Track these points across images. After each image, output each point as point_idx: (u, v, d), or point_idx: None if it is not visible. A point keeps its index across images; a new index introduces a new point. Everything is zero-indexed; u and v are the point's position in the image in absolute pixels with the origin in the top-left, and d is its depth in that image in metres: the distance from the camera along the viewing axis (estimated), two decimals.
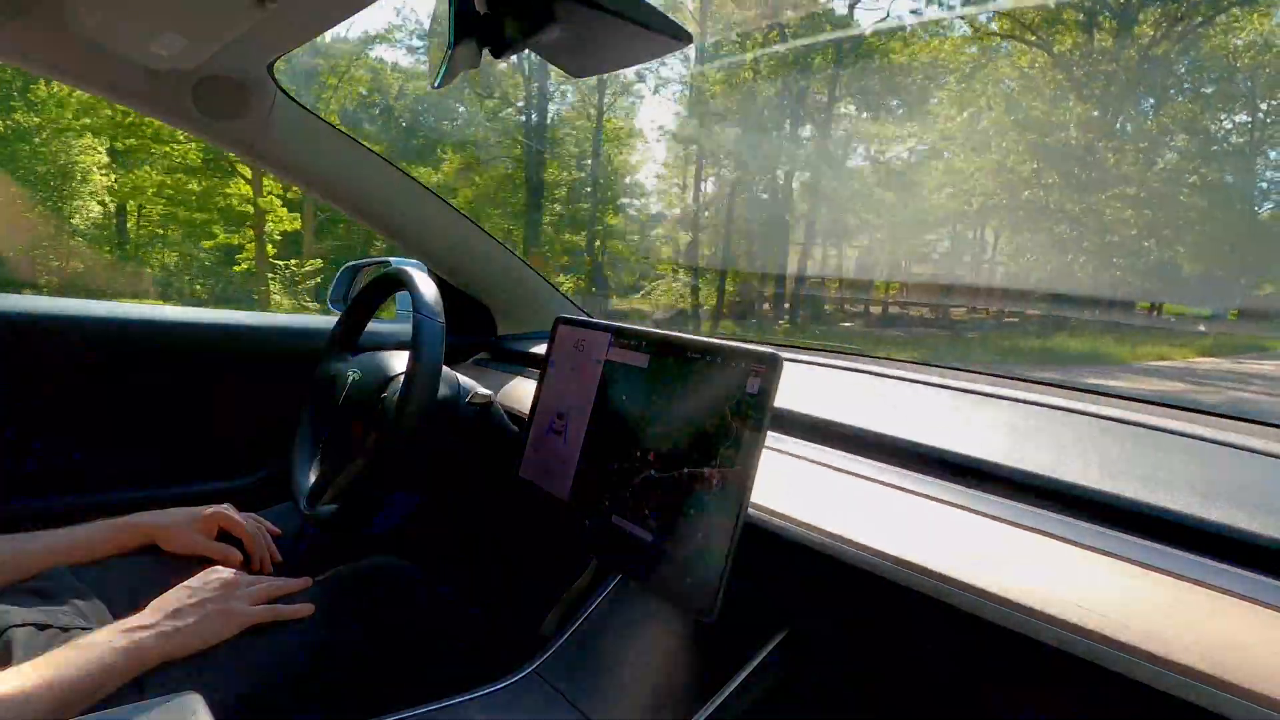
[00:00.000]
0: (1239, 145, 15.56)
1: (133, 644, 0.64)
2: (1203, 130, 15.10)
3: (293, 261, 13.56)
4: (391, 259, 1.43)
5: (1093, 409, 0.73)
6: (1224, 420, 0.70)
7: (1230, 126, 15.57)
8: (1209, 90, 15.20)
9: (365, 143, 1.17)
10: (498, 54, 0.64)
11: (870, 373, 0.97)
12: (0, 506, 1.04)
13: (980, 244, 17.41)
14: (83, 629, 0.69)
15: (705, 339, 0.71)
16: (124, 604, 0.73)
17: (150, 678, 0.64)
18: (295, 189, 13.00)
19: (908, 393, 0.88)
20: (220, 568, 0.79)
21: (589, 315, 1.42)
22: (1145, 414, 0.70)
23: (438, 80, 0.64)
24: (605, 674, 0.74)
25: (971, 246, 17.55)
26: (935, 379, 0.89)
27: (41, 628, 0.67)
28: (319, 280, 13.46)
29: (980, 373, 0.95)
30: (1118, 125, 14.90)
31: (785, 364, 0.63)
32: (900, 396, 0.87)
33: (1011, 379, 0.93)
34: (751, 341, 0.68)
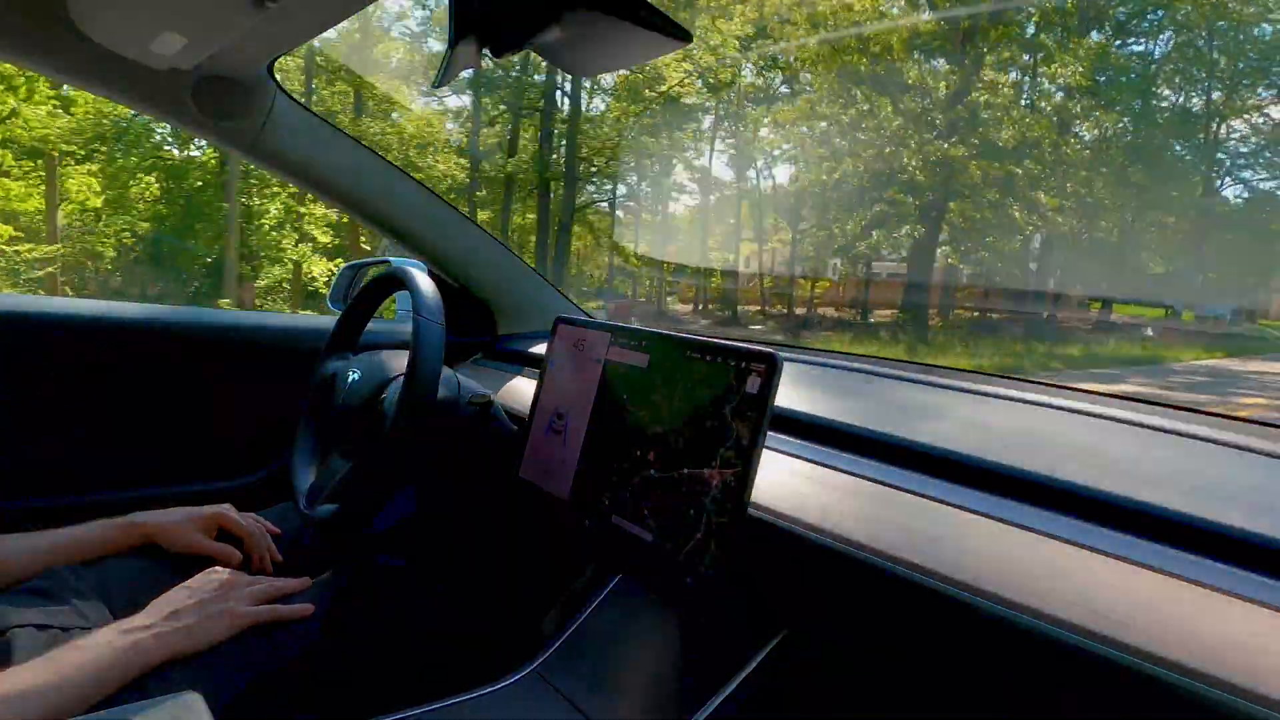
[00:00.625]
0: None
1: (133, 644, 0.64)
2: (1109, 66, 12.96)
3: (23, 247, 11.11)
4: (391, 259, 1.43)
5: (1093, 409, 0.73)
6: (1224, 420, 0.70)
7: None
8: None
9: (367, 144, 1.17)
10: (498, 54, 0.64)
11: (870, 373, 0.97)
12: (0, 506, 1.04)
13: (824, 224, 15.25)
14: (83, 629, 0.69)
15: (705, 339, 0.71)
16: (124, 604, 0.73)
17: (150, 678, 0.64)
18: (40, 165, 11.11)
19: (908, 393, 0.88)
20: (220, 568, 0.79)
21: (589, 315, 1.42)
22: (1145, 414, 0.70)
23: (437, 80, 0.64)
24: (605, 674, 0.74)
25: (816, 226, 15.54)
26: (935, 379, 0.89)
27: (41, 628, 0.67)
28: (55, 269, 11.28)
29: (980, 373, 0.95)
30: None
31: (785, 364, 0.63)
32: (900, 396, 0.87)
33: (1012, 379, 0.94)
34: (752, 342, 0.68)
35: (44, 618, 0.69)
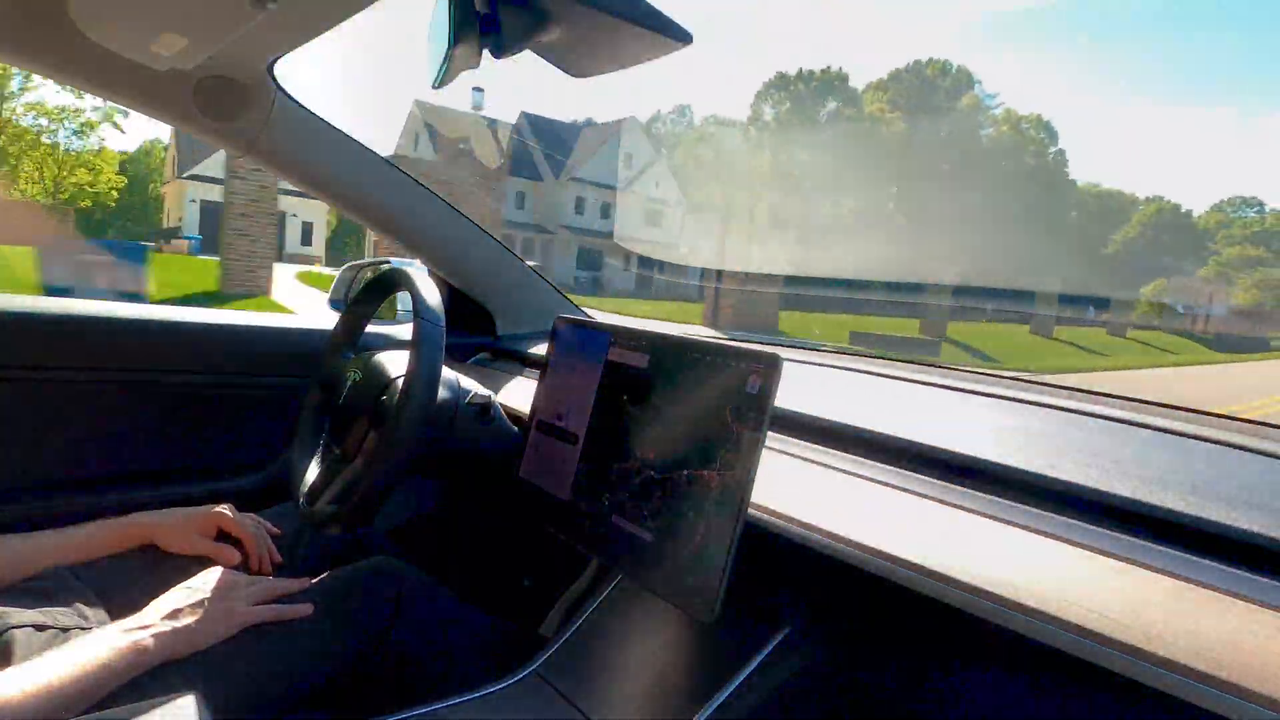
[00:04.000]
0: None
1: (132, 644, 0.64)
2: None
3: None
4: (392, 259, 1.43)
5: (1092, 409, 0.73)
6: (1224, 420, 0.70)
7: None
8: None
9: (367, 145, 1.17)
10: (498, 54, 0.64)
11: (870, 373, 0.97)
12: (0, 506, 1.04)
13: None
14: (83, 629, 0.69)
15: (706, 339, 0.71)
16: (124, 604, 0.73)
17: (149, 678, 0.64)
18: None
19: (908, 393, 0.88)
20: (219, 568, 0.79)
21: (589, 315, 1.42)
22: (1145, 414, 0.70)
23: (437, 81, 0.64)
24: (606, 674, 0.74)
25: None
26: (935, 379, 0.89)
27: (41, 628, 0.67)
28: None
29: (980, 373, 0.95)
30: None
31: (785, 364, 0.63)
32: (900, 396, 0.88)
33: (1012, 379, 0.94)
34: (752, 342, 0.68)
35: (44, 618, 0.68)
